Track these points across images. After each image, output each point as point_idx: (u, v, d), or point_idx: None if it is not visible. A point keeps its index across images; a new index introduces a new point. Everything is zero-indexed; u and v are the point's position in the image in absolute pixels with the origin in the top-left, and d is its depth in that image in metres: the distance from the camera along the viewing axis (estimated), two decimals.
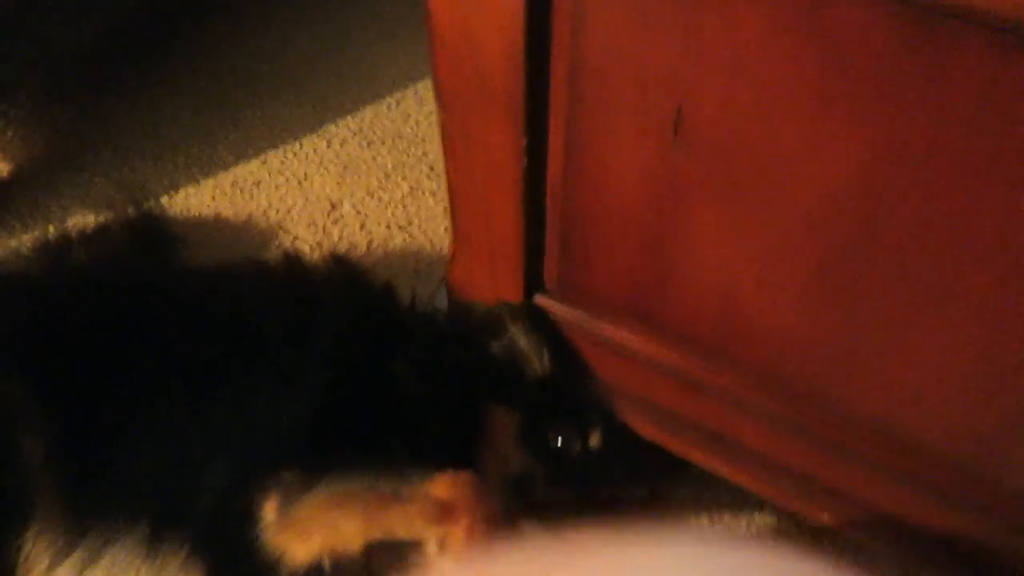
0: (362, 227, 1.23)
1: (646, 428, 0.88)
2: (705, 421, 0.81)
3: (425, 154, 1.33)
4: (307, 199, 1.27)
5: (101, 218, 1.22)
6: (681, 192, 0.58)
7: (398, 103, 1.41)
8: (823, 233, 0.53)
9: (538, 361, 0.82)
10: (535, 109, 0.61)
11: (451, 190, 0.75)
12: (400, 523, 0.70)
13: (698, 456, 0.86)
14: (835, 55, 0.44)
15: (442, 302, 0.93)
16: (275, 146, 1.35)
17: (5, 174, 1.32)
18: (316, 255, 1.19)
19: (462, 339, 0.83)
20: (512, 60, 0.56)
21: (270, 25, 1.55)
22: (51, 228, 1.23)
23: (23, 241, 1.21)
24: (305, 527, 0.70)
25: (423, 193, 1.28)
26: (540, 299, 0.83)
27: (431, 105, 1.40)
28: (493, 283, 0.83)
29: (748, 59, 0.47)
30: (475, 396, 0.79)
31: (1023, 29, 0.37)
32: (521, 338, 0.82)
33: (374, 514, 0.70)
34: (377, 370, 0.81)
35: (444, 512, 0.69)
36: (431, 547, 0.69)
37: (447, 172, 0.74)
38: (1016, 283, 0.48)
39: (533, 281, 0.81)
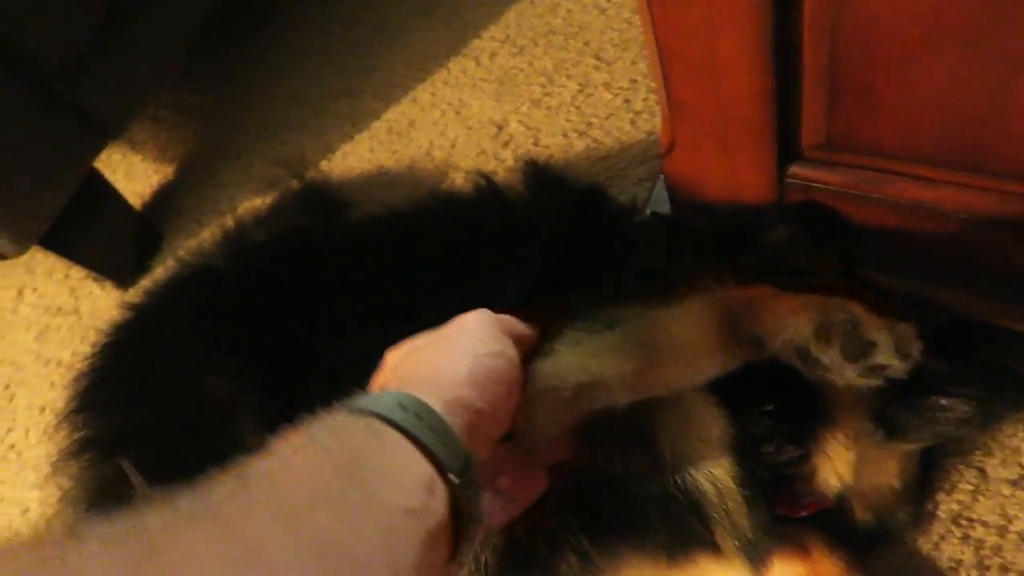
0: (536, 143, 1.08)
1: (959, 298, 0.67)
2: None
3: (587, 44, 1.14)
4: (469, 127, 1.14)
5: (268, 199, 1.16)
6: None
7: None
8: None
9: (821, 260, 0.64)
10: None
11: (662, 51, 0.57)
12: (690, 343, 0.55)
13: None
14: None
15: (662, 205, 0.76)
16: (421, 79, 1.22)
17: (171, 177, 1.29)
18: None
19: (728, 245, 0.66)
20: None
21: None
22: (225, 219, 1.18)
23: (203, 239, 1.18)
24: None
25: (595, 88, 1.10)
26: (796, 170, 0.64)
27: None
28: (730, 163, 0.65)
29: None
30: None
31: None
32: (796, 243, 0.64)
33: (653, 346, 0.55)
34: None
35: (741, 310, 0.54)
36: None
37: (654, 28, 0.56)
38: None
39: (783, 149, 0.62)
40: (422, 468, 0.35)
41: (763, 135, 0.60)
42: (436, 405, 0.39)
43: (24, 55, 0.93)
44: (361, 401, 0.38)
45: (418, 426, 0.36)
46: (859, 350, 0.49)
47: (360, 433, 0.35)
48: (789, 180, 0.64)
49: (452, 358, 0.44)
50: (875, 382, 0.50)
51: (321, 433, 0.34)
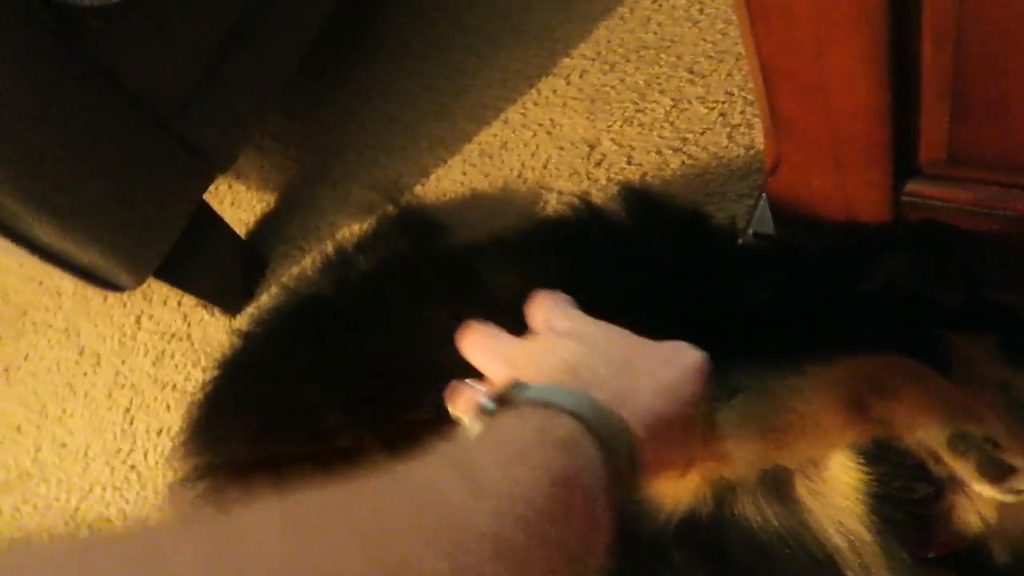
0: (629, 161, 1.07)
1: None
2: None
3: (679, 58, 1.12)
4: (561, 147, 1.13)
5: (365, 224, 1.18)
6: None
7: (631, 11, 1.21)
8: None
9: (946, 282, 0.60)
10: None
11: (765, 69, 0.55)
12: (813, 423, 0.52)
13: None
14: None
15: (765, 225, 0.73)
16: (512, 100, 1.22)
17: (273, 204, 1.34)
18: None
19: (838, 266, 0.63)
20: None
21: None
22: (327, 246, 1.21)
23: (305, 266, 1.21)
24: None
25: (689, 103, 1.07)
26: (914, 187, 0.60)
27: (671, 0, 1.18)
28: (841, 181, 0.62)
29: None
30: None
31: None
32: (916, 266, 0.60)
33: (774, 425, 0.53)
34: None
35: (870, 392, 0.51)
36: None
37: (756, 45, 0.54)
38: None
39: (900, 165, 0.59)
40: (615, 491, 0.35)
41: (878, 151, 0.57)
42: (635, 432, 0.39)
43: (140, 95, 0.98)
44: (588, 410, 0.37)
45: (625, 457, 0.37)
46: (998, 472, 0.47)
47: (581, 442, 0.35)
48: (906, 198, 0.60)
49: (667, 403, 0.42)
50: (1015, 501, 0.48)
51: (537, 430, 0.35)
